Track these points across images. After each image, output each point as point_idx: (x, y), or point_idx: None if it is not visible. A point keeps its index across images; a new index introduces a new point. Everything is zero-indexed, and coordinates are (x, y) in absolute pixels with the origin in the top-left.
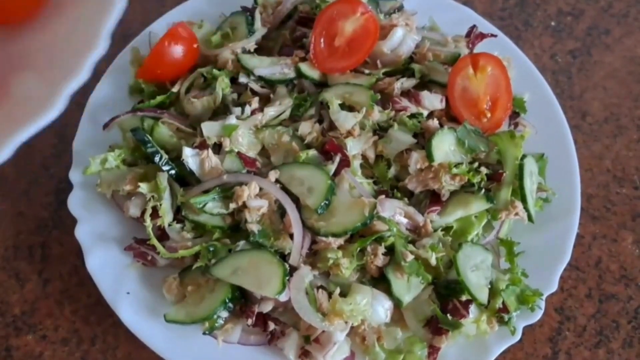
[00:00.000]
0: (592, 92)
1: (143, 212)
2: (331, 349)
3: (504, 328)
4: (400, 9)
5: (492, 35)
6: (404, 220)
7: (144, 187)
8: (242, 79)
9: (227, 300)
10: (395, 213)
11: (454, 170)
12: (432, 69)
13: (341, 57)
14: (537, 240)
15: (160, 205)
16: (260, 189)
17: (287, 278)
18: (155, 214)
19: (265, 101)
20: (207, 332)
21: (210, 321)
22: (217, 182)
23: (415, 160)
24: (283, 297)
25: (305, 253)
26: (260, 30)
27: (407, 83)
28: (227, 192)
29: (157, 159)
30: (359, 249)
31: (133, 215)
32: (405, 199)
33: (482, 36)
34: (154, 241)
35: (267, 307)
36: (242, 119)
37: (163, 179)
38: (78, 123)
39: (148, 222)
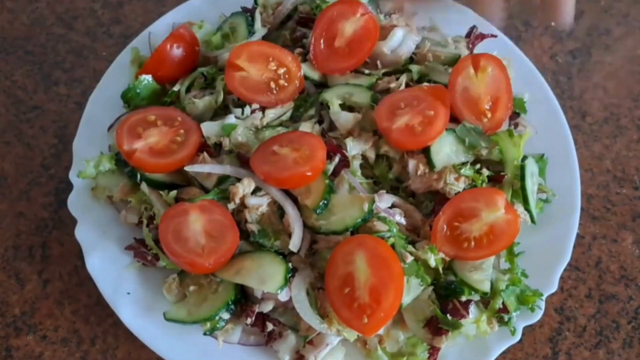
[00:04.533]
0: (592, 93)
1: (141, 217)
2: (323, 349)
3: (504, 328)
4: (400, 9)
5: (492, 35)
6: (404, 221)
7: (133, 202)
8: None
9: (230, 302)
10: (395, 213)
11: (462, 172)
12: (432, 69)
13: (341, 58)
14: (537, 240)
15: (154, 213)
16: (260, 189)
17: (289, 275)
18: (152, 219)
19: None
20: (208, 333)
21: (212, 322)
22: (220, 170)
23: (414, 166)
24: (283, 297)
25: (305, 253)
26: (260, 30)
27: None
28: (224, 193)
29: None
30: None
31: (130, 222)
32: (410, 199)
33: (482, 37)
34: (155, 249)
35: (267, 307)
36: (242, 118)
37: (146, 191)
38: (78, 123)
39: (146, 232)
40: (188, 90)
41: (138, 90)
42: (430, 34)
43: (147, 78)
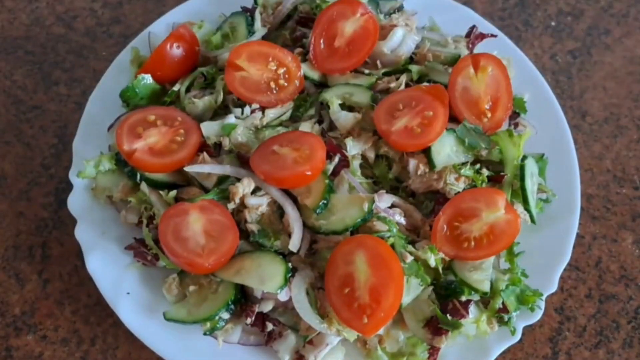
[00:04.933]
0: (592, 92)
1: (140, 217)
2: (323, 349)
3: (504, 328)
4: (400, 9)
5: (492, 35)
6: (403, 221)
7: (133, 202)
8: None
9: (230, 302)
10: (395, 212)
11: (462, 172)
12: (431, 69)
13: (341, 58)
14: (537, 240)
15: (154, 213)
16: (259, 189)
17: (289, 275)
18: (152, 219)
19: None
20: (208, 333)
21: (212, 322)
22: (220, 170)
23: (414, 166)
24: (283, 297)
25: (305, 253)
26: (260, 30)
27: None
28: (224, 193)
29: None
30: None
31: (130, 222)
32: (410, 199)
33: (482, 36)
34: (155, 249)
35: (267, 307)
36: (241, 118)
37: (145, 191)
38: (78, 123)
39: (146, 232)
40: (188, 90)
41: (137, 90)
42: (430, 33)
43: (145, 77)
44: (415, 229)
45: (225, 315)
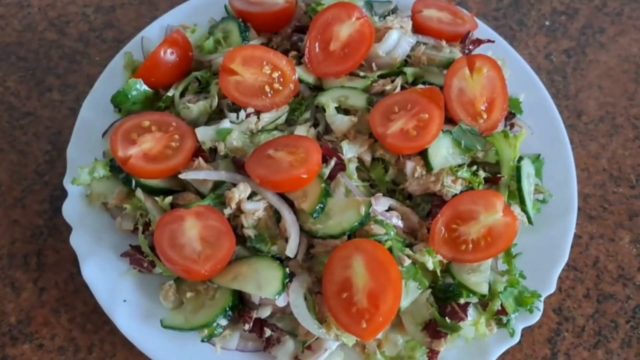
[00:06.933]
0: (587, 92)
1: (136, 224)
2: (321, 354)
3: (502, 330)
4: (394, 11)
5: (490, 41)
6: (401, 224)
7: (128, 208)
8: None
9: (227, 308)
10: (392, 215)
11: (459, 174)
12: (426, 71)
13: (336, 62)
14: (534, 241)
15: (150, 219)
16: (256, 194)
17: (287, 281)
18: (148, 225)
19: None
20: (205, 340)
21: (210, 328)
22: (215, 177)
23: (411, 169)
24: (281, 302)
25: (302, 258)
26: (256, 40)
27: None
28: (221, 199)
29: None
30: None
31: (126, 229)
32: (407, 202)
33: (479, 42)
34: (151, 256)
35: (265, 313)
36: (237, 123)
37: (141, 197)
38: (72, 129)
39: (142, 239)
40: (182, 95)
41: (128, 95)
42: (425, 37)
43: (136, 82)
44: (413, 232)
45: (223, 322)
